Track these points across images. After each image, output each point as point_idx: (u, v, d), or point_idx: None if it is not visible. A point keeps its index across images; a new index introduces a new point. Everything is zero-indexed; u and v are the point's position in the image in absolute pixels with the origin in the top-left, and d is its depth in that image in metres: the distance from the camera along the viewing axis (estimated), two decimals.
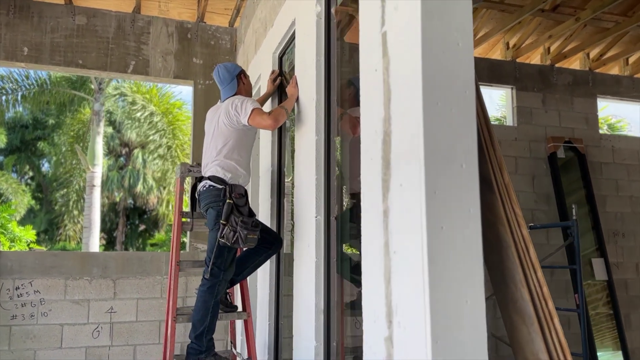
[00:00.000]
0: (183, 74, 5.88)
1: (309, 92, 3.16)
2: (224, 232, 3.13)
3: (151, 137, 14.46)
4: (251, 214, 3.30)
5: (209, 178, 3.31)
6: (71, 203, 18.09)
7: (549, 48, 6.96)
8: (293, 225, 3.45)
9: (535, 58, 7.14)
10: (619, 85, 7.23)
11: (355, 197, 3.29)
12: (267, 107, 4.03)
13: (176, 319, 3.27)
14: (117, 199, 21.56)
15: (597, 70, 7.16)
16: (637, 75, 7.34)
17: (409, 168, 1.85)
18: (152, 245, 17.75)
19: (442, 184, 1.78)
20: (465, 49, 1.87)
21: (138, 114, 14.37)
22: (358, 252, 3.68)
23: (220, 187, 3.25)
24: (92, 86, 12.46)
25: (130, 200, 22.20)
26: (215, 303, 3.20)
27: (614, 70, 7.41)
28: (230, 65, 3.58)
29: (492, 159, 2.01)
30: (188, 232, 5.78)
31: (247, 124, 3.29)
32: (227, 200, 3.20)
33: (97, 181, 12.41)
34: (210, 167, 3.37)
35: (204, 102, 5.89)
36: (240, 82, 3.55)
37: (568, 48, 6.79)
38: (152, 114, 13.94)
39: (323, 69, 3.08)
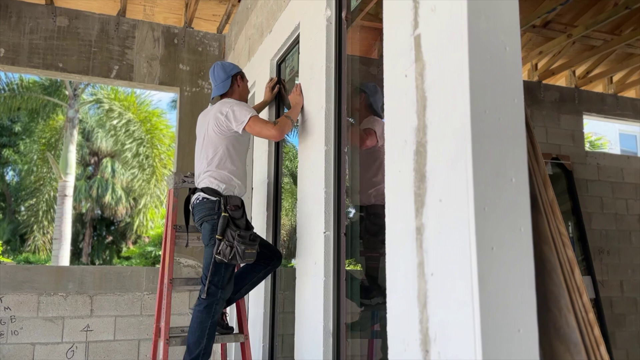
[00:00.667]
0: (169, 80, 5.64)
1: (317, 100, 2.99)
2: (220, 248, 2.92)
3: (128, 146, 13.99)
4: (248, 227, 3.09)
5: (202, 190, 3.10)
6: (41, 213, 17.41)
7: (536, 64, 6.97)
8: (288, 240, 3.26)
9: (523, 74, 7.13)
10: (604, 103, 7.28)
11: (364, 210, 3.13)
12: (264, 114, 3.85)
13: (169, 341, 3.02)
14: (84, 209, 20.92)
15: (583, 88, 7.21)
16: (620, 93, 7.42)
17: (452, 182, 1.69)
18: (125, 258, 17.12)
19: (492, 200, 1.62)
20: (513, 53, 1.74)
21: (115, 122, 13.90)
22: (362, 269, 3.52)
23: (214, 199, 3.04)
24: (67, 92, 11.99)
25: (97, 211, 21.60)
26: (212, 324, 2.97)
27: (598, 88, 7.48)
28: (228, 64, 3.36)
29: (535, 174, 1.88)
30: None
31: (240, 132, 3.10)
32: (222, 214, 2.98)
33: (69, 191, 11.92)
34: (202, 178, 3.16)
35: (190, 110, 5.66)
36: (235, 84, 3.33)
37: (556, 65, 6.82)
38: (129, 121, 13.51)
39: (333, 76, 2.92)
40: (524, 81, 6.70)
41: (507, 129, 1.69)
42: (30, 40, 5.24)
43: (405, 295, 1.90)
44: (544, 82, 6.95)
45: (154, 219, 15.05)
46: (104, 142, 19.52)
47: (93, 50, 5.41)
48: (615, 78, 7.40)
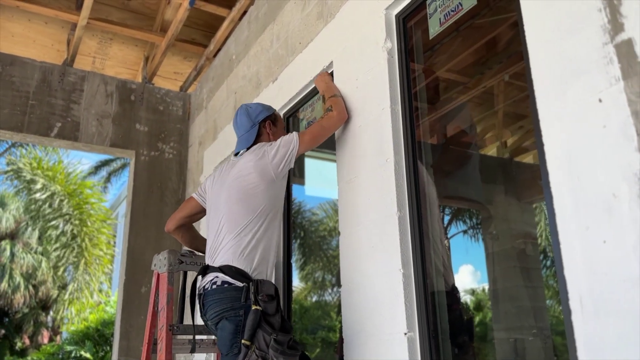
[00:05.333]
0: (122, 142, 4.73)
1: (377, 151, 2.31)
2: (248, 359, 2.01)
3: (52, 223, 12.22)
4: (286, 327, 2.13)
5: (221, 269, 2.19)
6: None
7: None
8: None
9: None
10: None
11: (445, 297, 2.35)
12: None
13: None
14: None
15: None
16: None
17: None
18: (19, 354, 14.42)
19: None
20: None
21: (37, 195, 12.19)
22: None
23: (240, 285, 2.14)
24: None
25: None
26: None
27: None
28: (255, 107, 2.59)
29: None
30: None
31: (294, 158, 2.37)
32: (253, 306, 2.07)
33: None
34: (222, 253, 2.25)
35: (147, 178, 4.74)
36: (264, 132, 2.54)
37: None
38: (53, 194, 11.88)
39: (401, 120, 2.27)
40: None
41: None
42: None
43: None
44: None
45: (80, 311, 12.97)
46: (3, 222, 17.40)
47: (31, 103, 4.44)
48: None
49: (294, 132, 2.41)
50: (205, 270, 2.27)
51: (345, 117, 2.50)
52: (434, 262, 2.21)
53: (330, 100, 2.52)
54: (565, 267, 1.44)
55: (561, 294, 1.45)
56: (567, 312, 1.43)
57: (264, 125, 2.54)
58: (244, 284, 2.12)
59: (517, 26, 1.76)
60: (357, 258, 2.33)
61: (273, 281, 2.28)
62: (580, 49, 1.48)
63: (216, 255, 2.26)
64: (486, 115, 4.35)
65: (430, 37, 2.28)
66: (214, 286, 2.17)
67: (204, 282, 2.25)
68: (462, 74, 3.89)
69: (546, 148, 1.54)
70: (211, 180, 2.56)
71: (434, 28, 2.24)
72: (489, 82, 3.97)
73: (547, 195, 1.52)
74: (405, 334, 1.99)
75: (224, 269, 2.17)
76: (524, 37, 1.68)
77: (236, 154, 2.53)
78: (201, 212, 2.65)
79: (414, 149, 2.22)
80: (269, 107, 2.62)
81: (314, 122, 2.99)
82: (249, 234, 2.24)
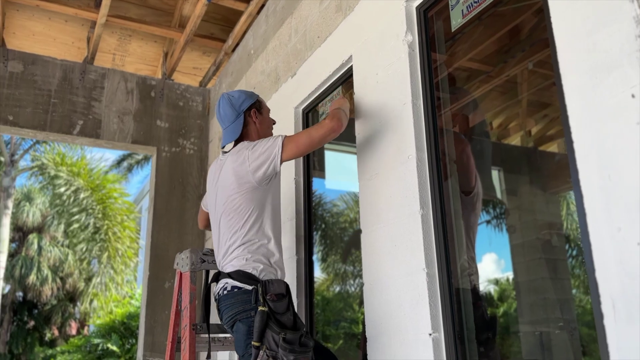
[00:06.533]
0: (144, 138, 4.76)
1: (398, 147, 2.27)
2: None
3: (75, 217, 12.40)
4: (297, 324, 2.13)
5: (230, 275, 2.19)
6: None
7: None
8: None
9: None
10: None
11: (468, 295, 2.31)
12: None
13: None
14: (4, 291, 18.63)
15: None
16: None
17: None
18: (61, 352, 14.57)
19: None
20: None
21: (61, 190, 12.36)
22: None
23: (249, 288, 2.13)
24: (2, 159, 10.55)
25: (19, 293, 19.38)
26: None
27: None
28: (237, 95, 2.44)
29: None
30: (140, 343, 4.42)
31: (277, 169, 2.25)
32: (260, 308, 2.06)
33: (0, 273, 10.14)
34: (229, 258, 2.24)
35: (168, 174, 4.77)
36: (250, 121, 2.43)
37: None
38: (77, 190, 12.04)
39: (423, 116, 2.22)
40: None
41: None
42: None
43: None
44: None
45: (104, 305, 13.17)
46: (30, 216, 17.76)
47: (53, 102, 4.49)
48: None
49: (280, 137, 2.25)
50: (217, 277, 2.28)
51: (339, 128, 2.26)
52: (460, 257, 2.16)
53: (331, 111, 2.37)
54: (597, 270, 1.39)
55: (592, 298, 1.40)
56: (599, 316, 1.38)
57: (249, 115, 2.43)
58: (253, 286, 2.12)
59: (541, 12, 1.70)
60: (379, 256, 2.30)
61: (286, 276, 2.28)
62: (611, 42, 1.42)
63: (223, 262, 2.27)
64: (509, 104, 4.26)
65: (453, 30, 2.22)
66: (225, 292, 2.19)
67: (217, 288, 2.26)
68: (485, 63, 3.81)
69: (575, 146, 1.49)
70: (209, 181, 2.52)
71: (456, 20, 2.18)
72: (512, 70, 3.88)
73: (577, 195, 1.47)
74: (430, 334, 1.96)
75: (233, 275, 2.18)
76: (550, 30, 1.62)
77: (223, 149, 2.47)
78: None
79: (436, 145, 2.17)
80: (251, 94, 2.49)
81: None
82: (245, 239, 2.22)
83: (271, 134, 2.51)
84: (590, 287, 1.40)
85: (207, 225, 2.71)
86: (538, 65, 3.56)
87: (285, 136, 2.26)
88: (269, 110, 2.58)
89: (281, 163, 2.23)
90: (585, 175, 1.45)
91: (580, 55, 1.50)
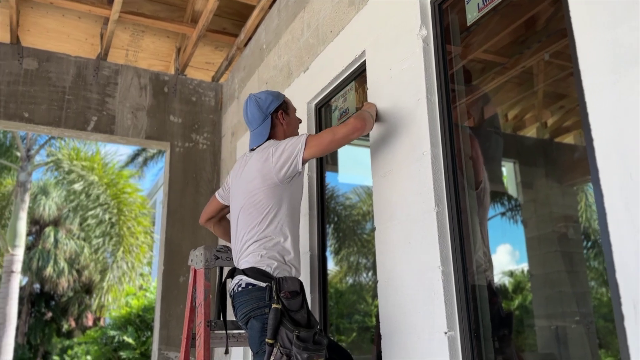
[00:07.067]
0: (157, 134, 4.78)
1: (412, 144, 2.24)
2: (273, 358, 2.00)
3: (91, 212, 12.53)
4: (311, 322, 2.12)
5: (245, 272, 2.20)
6: None
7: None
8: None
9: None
10: None
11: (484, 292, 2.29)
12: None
13: None
14: (21, 284, 18.90)
15: None
16: None
17: None
18: (78, 344, 14.69)
19: None
20: None
21: (76, 185, 12.48)
22: None
23: (263, 285, 2.13)
24: (19, 154, 10.67)
25: (37, 285, 19.67)
26: None
27: None
28: (265, 97, 2.44)
29: None
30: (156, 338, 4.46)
31: (299, 168, 2.25)
32: (274, 305, 2.06)
33: (17, 266, 10.23)
34: (244, 254, 2.26)
35: (182, 169, 4.79)
36: (278, 122, 2.44)
37: None
38: (92, 184, 12.16)
39: (438, 112, 2.19)
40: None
41: None
42: None
43: None
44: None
45: (118, 298, 13.33)
46: (47, 209, 17.96)
47: (67, 98, 4.51)
48: None
49: (303, 135, 2.26)
50: (232, 272, 2.28)
51: (363, 128, 2.26)
52: (476, 254, 2.14)
53: (358, 111, 2.37)
54: (618, 271, 1.37)
55: (613, 299, 1.38)
56: (620, 317, 1.36)
57: (276, 116, 2.44)
58: (267, 283, 2.12)
59: (558, 2, 1.66)
60: (393, 253, 2.28)
61: (301, 274, 2.28)
62: (633, 36, 1.38)
63: (239, 258, 2.28)
64: (525, 96, 4.20)
65: (468, 24, 2.19)
66: (240, 288, 2.19)
67: (232, 284, 2.26)
68: (500, 55, 3.76)
69: (595, 144, 1.46)
70: (233, 176, 2.53)
71: (472, 14, 2.15)
72: (528, 61, 3.82)
73: (597, 194, 1.44)
74: (446, 333, 1.95)
75: (247, 272, 2.18)
76: (570, 24, 1.58)
77: (251, 150, 2.48)
78: (226, 208, 2.66)
79: (452, 141, 2.15)
80: (277, 94, 2.49)
81: (346, 112, 2.95)
82: (262, 235, 2.23)
83: (297, 134, 2.51)
84: (611, 288, 1.38)
85: (208, 221, 2.72)
86: (554, 56, 3.50)
87: (309, 135, 2.26)
88: (295, 109, 2.59)
89: (303, 161, 2.24)
90: (606, 174, 1.42)
91: (601, 50, 1.47)
